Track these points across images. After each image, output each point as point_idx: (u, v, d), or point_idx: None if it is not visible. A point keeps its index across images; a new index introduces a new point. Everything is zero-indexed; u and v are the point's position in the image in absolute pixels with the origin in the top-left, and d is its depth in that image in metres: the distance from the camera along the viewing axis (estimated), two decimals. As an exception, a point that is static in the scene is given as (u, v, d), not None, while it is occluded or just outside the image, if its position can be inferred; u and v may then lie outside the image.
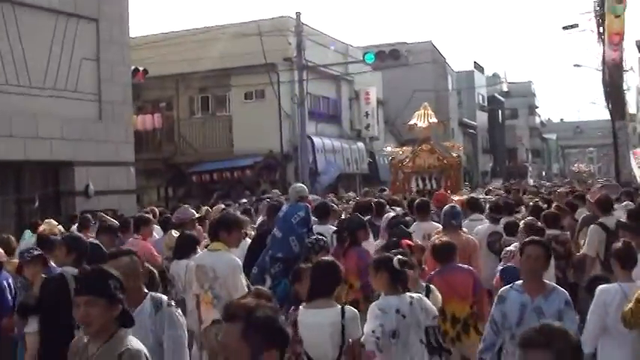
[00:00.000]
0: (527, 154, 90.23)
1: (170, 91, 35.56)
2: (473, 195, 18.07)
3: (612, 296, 6.96)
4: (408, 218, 12.26)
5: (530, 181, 42.65)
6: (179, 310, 5.50)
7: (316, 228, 11.15)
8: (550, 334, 3.35)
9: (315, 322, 6.19)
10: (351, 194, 25.63)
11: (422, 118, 23.64)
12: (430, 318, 6.75)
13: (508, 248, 10.05)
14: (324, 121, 38.16)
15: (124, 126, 23.78)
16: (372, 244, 10.57)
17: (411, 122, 24.02)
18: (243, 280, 7.69)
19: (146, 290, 5.51)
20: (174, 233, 10.66)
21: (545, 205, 14.55)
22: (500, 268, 9.74)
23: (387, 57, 38.47)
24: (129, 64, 25.10)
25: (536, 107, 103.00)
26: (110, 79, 23.29)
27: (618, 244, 7.42)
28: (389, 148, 26.75)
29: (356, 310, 6.39)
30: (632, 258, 7.28)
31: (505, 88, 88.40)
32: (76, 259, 7.25)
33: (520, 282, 6.42)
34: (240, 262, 7.99)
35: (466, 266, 8.61)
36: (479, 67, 72.71)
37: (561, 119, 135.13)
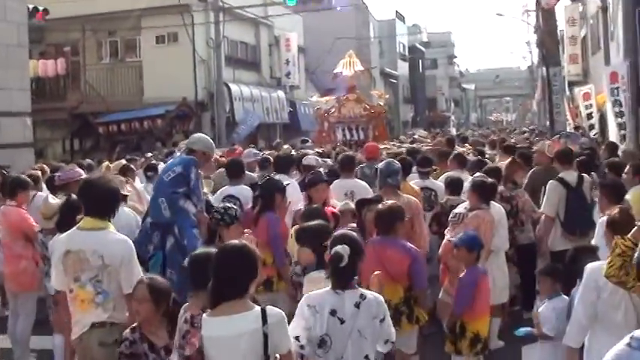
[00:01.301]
0: (447, 104, 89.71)
1: (76, 34, 32.73)
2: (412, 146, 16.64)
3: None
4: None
5: (453, 131, 41.45)
6: None
7: (227, 190, 9.91)
8: None
9: (225, 334, 4.20)
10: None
11: (348, 67, 22.48)
12: (382, 341, 5.03)
13: (457, 210, 8.59)
14: (242, 67, 36.01)
15: (18, 71, 21.32)
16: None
17: (337, 70, 22.80)
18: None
19: None
20: (52, 199, 8.50)
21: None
22: (448, 235, 8.31)
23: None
24: (25, 1, 22.59)
25: (455, 57, 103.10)
26: (2, 18, 20.77)
27: (614, 213, 5.74)
28: (314, 98, 25.27)
29: (281, 312, 4.35)
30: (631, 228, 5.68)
31: (425, 39, 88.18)
32: None
33: None
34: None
35: (408, 244, 6.89)
36: (400, 17, 71.52)
37: (479, 69, 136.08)
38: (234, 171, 10.20)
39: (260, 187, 8.44)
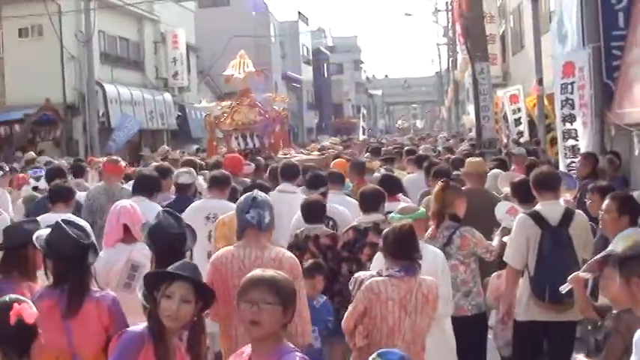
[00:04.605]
0: (355, 110, 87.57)
1: None
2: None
3: None
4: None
5: (362, 137, 39.08)
6: None
7: (49, 218, 6.71)
8: None
9: None
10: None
11: (238, 68, 20.53)
12: None
13: (360, 274, 5.79)
14: (122, 66, 32.15)
15: None
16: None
17: (227, 72, 20.93)
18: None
19: None
20: None
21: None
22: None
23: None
24: None
25: (362, 62, 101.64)
26: None
27: None
28: (203, 102, 22.44)
29: None
30: None
31: (330, 43, 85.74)
32: None
33: None
34: None
35: None
36: (303, 18, 68.61)
37: (386, 75, 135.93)
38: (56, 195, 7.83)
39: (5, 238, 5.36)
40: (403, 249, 5.38)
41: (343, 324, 5.49)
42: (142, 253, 5.81)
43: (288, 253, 5.55)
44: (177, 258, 4.73)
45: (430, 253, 6.06)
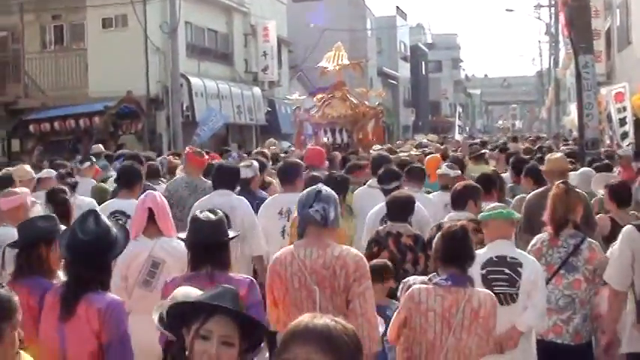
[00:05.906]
0: (453, 109, 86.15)
1: (14, 18, 28.15)
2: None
3: None
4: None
5: (458, 137, 37.91)
6: None
7: (113, 204, 7.78)
8: None
9: None
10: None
11: (333, 60, 20.10)
12: None
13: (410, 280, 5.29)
14: (209, 59, 31.01)
15: None
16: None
17: (320, 64, 20.38)
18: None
19: None
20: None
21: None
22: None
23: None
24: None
25: (461, 61, 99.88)
26: None
27: None
28: (295, 95, 22.01)
29: None
30: None
31: (429, 40, 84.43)
32: None
33: None
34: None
35: None
36: (401, 14, 67.03)
37: (485, 74, 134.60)
38: (127, 180, 8.06)
39: (19, 231, 5.19)
40: (451, 254, 4.84)
41: (387, 333, 5.08)
42: (165, 250, 5.68)
43: (354, 251, 5.04)
44: (216, 251, 4.73)
45: (529, 261, 5.63)
